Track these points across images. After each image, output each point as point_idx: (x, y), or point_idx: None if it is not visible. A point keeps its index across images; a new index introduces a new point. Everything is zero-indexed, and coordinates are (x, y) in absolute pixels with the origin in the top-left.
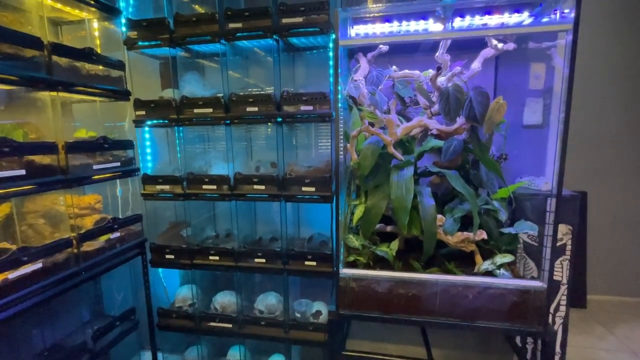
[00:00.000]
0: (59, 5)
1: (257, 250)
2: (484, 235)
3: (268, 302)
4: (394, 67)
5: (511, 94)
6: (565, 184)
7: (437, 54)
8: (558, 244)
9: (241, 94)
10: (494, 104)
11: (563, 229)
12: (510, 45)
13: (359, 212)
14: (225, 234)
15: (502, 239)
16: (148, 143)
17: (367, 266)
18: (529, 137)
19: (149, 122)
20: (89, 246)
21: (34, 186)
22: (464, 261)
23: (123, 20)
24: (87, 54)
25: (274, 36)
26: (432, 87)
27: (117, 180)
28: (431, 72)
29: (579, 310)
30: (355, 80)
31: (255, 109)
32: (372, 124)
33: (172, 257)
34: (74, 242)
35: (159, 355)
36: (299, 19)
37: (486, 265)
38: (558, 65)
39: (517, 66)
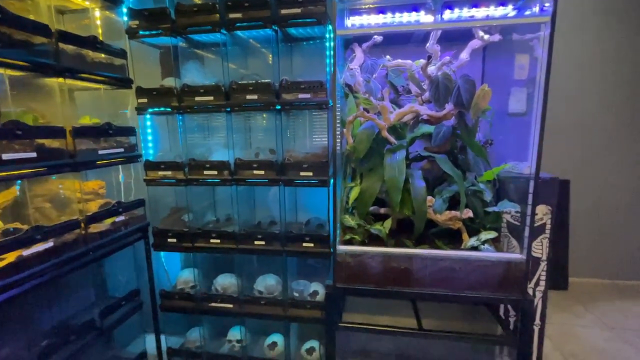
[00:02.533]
0: None
1: (256, 233)
2: (470, 214)
3: (267, 282)
4: (388, 56)
5: (497, 83)
6: (550, 170)
7: (428, 44)
8: (538, 223)
9: (242, 82)
10: (479, 91)
11: (543, 209)
12: (496, 37)
13: (354, 193)
14: (225, 219)
15: (487, 217)
16: (149, 130)
17: (362, 244)
18: (513, 125)
19: (150, 110)
20: (95, 228)
21: (44, 168)
22: (452, 239)
23: (125, 10)
24: (92, 42)
25: (273, 26)
26: (423, 76)
27: (120, 166)
28: (422, 61)
29: (560, 292)
30: (351, 69)
31: (255, 96)
32: (367, 110)
33: (175, 240)
34: (82, 223)
35: (162, 337)
36: (297, 10)
37: (472, 241)
38: (540, 56)
39: (503, 57)
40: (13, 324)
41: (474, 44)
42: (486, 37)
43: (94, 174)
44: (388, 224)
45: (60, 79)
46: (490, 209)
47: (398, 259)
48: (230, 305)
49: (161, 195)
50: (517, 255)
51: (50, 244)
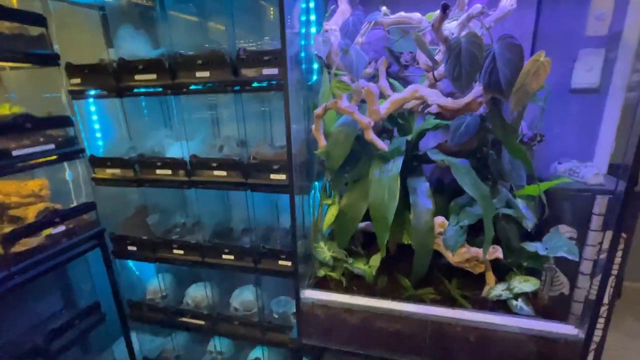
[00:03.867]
0: None
1: (224, 246)
2: (499, 254)
3: (244, 298)
4: (384, 8)
5: (558, 44)
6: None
7: None
8: (603, 256)
9: (189, 54)
10: (530, 63)
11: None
12: None
13: (330, 214)
14: (194, 222)
15: (524, 253)
16: (95, 117)
17: (339, 284)
18: (577, 106)
19: (88, 93)
20: (23, 245)
21: None
22: (470, 277)
23: None
24: None
25: None
26: (437, 38)
27: (65, 162)
28: (437, 13)
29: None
30: (326, 31)
31: (207, 74)
32: (346, 96)
33: (134, 248)
34: None
35: (143, 337)
36: None
37: (499, 290)
38: None
39: (571, 2)
40: None
41: None
42: None
43: (37, 172)
44: (376, 261)
45: None
46: (531, 247)
47: (386, 316)
48: (202, 322)
49: (124, 191)
50: (570, 329)
51: None
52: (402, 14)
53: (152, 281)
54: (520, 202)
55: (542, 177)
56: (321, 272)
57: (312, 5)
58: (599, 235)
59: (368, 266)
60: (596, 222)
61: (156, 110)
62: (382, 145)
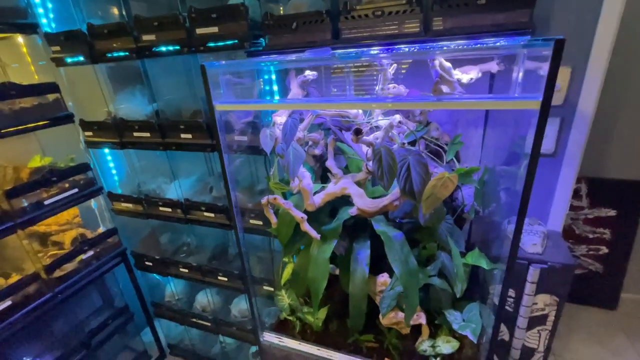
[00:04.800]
0: None
1: (219, 270)
2: (422, 320)
3: (241, 307)
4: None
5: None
6: (619, 168)
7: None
8: (537, 313)
9: (173, 119)
10: (435, 180)
11: (546, 299)
12: (494, 66)
13: (287, 271)
14: (196, 244)
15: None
16: (109, 157)
17: (301, 327)
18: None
19: (100, 144)
20: (62, 271)
21: None
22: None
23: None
24: (4, 92)
25: None
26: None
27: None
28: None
29: (606, 312)
30: (273, 125)
31: (189, 135)
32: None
33: (150, 264)
34: (42, 273)
35: (169, 324)
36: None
37: (426, 345)
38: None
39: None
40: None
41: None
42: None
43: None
44: (322, 314)
45: None
46: (450, 317)
47: None
48: (208, 324)
49: None
50: None
51: (8, 302)
52: (341, 109)
53: (168, 286)
54: (456, 268)
55: (492, 236)
56: (283, 315)
57: (274, 77)
58: (532, 299)
59: (316, 318)
60: (529, 288)
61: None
62: (316, 235)
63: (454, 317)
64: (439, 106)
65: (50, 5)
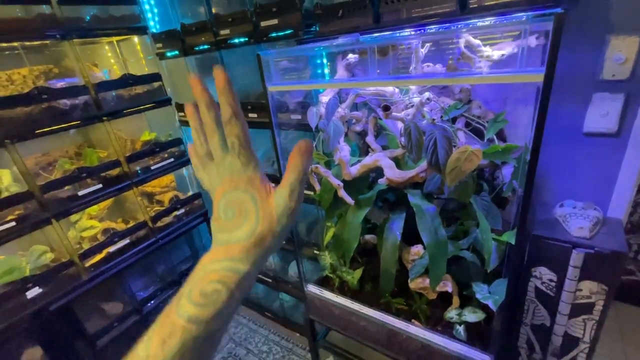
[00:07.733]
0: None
1: None
2: (448, 288)
3: (295, 269)
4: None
5: (571, 85)
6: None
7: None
8: (582, 301)
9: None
10: (457, 153)
11: (592, 287)
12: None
13: (329, 234)
14: None
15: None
16: None
17: (340, 284)
18: (590, 149)
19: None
20: (162, 222)
21: (110, 193)
22: (443, 295)
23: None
24: (125, 82)
25: None
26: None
27: None
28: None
29: (637, 309)
30: (320, 103)
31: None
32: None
33: None
34: (149, 222)
35: None
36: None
37: (453, 313)
38: None
39: (584, 44)
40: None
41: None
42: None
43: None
44: (358, 274)
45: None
46: (476, 288)
47: (355, 315)
48: (270, 280)
49: None
50: (484, 358)
51: (126, 241)
52: (379, 88)
53: None
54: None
55: (541, 218)
56: (325, 273)
57: (325, 61)
58: (574, 284)
59: (352, 277)
60: (572, 272)
61: None
62: (350, 201)
63: (479, 289)
64: (442, 82)
65: (156, 10)
